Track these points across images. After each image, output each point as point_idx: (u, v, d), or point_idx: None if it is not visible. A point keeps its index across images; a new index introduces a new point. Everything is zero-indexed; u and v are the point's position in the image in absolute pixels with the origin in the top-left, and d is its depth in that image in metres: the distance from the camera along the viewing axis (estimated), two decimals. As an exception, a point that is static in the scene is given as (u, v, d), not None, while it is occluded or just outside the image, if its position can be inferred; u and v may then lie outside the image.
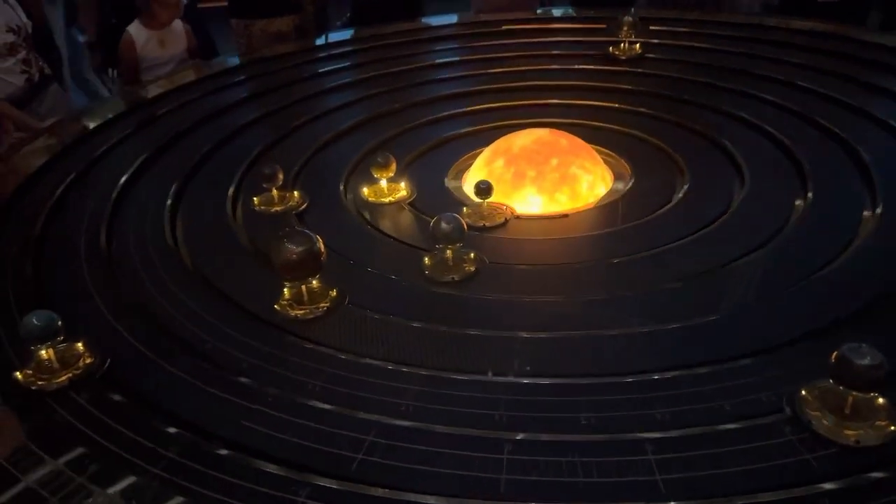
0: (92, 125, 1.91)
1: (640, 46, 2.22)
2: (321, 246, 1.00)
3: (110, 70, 2.78)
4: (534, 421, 0.83)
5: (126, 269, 1.24)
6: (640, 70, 2.15)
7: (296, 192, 1.46)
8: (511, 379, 0.91)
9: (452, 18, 2.79)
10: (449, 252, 1.17)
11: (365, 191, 1.50)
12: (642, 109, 1.90)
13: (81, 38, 3.49)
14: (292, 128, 1.87)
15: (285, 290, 1.07)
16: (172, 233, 1.37)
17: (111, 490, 0.76)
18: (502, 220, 1.39)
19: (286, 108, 2.00)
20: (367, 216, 1.43)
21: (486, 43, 2.49)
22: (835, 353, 0.78)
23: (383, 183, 1.49)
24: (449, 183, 1.63)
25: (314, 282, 1.06)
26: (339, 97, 2.08)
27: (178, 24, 2.75)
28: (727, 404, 0.85)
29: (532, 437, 0.81)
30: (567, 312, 1.08)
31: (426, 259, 1.20)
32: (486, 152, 1.68)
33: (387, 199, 1.47)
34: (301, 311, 1.04)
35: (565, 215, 1.49)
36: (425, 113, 1.96)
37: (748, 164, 1.54)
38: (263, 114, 1.96)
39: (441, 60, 2.37)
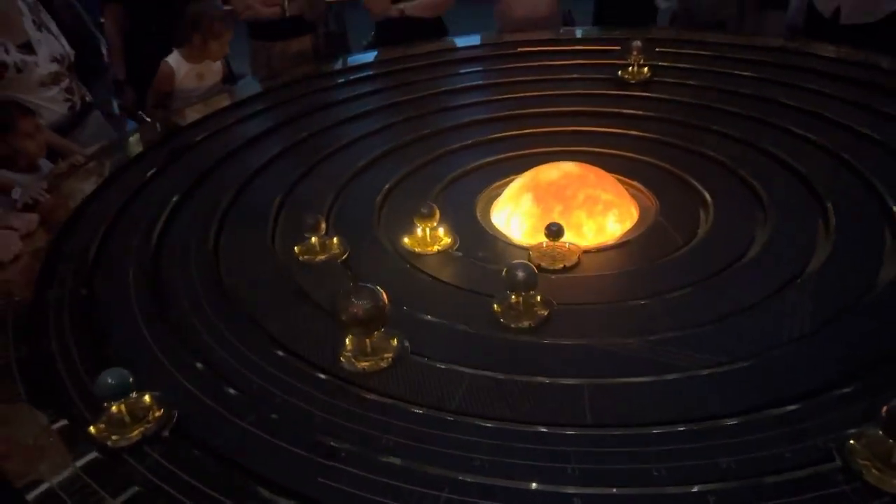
0: (130, 154, 1.97)
1: (649, 70, 2.26)
2: (386, 299, 1.03)
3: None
4: (605, 474, 0.87)
5: (181, 318, 1.26)
6: (648, 94, 2.19)
7: (335, 240, 1.45)
8: (582, 431, 0.94)
9: (474, 40, 2.80)
10: (515, 297, 1.18)
11: (406, 241, 1.48)
12: (654, 135, 1.95)
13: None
14: (316, 161, 1.88)
15: (347, 340, 1.10)
16: (218, 280, 1.38)
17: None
18: (575, 258, 1.41)
19: (309, 138, 2.02)
20: (416, 264, 1.43)
21: (501, 66, 2.53)
22: (885, 408, 0.83)
23: (421, 231, 1.47)
24: (482, 221, 1.64)
25: (376, 333, 1.08)
26: (359, 127, 2.10)
27: None
28: (787, 451, 0.89)
29: (603, 492, 0.85)
30: (633, 355, 1.11)
31: (495, 306, 1.21)
32: (514, 186, 1.71)
33: (432, 249, 1.45)
34: (366, 364, 1.07)
35: (625, 242, 1.52)
36: (444, 143, 2.00)
37: (768, 195, 1.59)
38: (287, 146, 1.98)
39: (458, 86, 2.40)
